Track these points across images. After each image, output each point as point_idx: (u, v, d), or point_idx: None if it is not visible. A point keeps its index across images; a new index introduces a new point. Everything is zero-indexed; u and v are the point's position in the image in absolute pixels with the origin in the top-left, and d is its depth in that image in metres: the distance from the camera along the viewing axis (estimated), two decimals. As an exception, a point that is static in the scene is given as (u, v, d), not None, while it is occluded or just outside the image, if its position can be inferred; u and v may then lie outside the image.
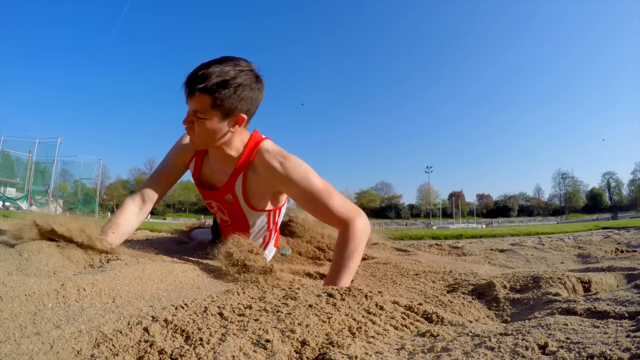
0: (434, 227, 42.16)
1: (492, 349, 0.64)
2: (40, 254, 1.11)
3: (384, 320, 0.87)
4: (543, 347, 0.62)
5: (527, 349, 0.62)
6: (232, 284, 1.21)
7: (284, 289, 1.07)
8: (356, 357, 0.63)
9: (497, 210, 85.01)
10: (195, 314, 0.80)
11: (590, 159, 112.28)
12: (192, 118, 1.36)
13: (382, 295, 1.03)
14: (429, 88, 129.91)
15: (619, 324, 0.76)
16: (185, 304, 0.86)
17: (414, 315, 0.94)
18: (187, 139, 1.62)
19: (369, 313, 0.90)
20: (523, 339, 0.66)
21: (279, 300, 0.93)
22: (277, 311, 0.84)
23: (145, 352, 0.63)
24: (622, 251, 2.59)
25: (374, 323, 0.84)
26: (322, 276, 1.69)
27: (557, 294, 1.12)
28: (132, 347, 0.64)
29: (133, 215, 1.53)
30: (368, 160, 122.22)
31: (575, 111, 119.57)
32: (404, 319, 0.90)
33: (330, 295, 0.98)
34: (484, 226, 46.82)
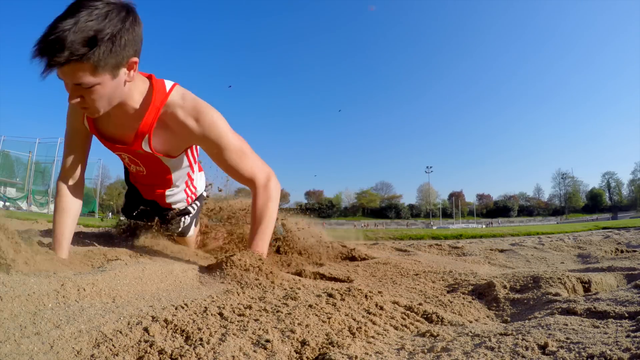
0: (434, 227, 42.18)
1: (492, 349, 0.64)
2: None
3: (384, 320, 0.87)
4: (543, 347, 0.62)
5: (527, 349, 0.62)
6: (231, 284, 1.21)
7: (284, 289, 1.07)
8: (356, 357, 0.63)
9: (497, 210, 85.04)
10: (195, 314, 0.80)
11: (590, 159, 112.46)
12: (79, 92, 1.14)
13: (382, 295, 1.03)
14: (429, 88, 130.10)
15: (619, 324, 0.76)
16: (185, 304, 0.86)
17: (414, 315, 0.94)
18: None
19: (369, 313, 0.90)
20: (523, 339, 0.66)
21: (279, 300, 0.94)
22: (277, 311, 0.84)
23: (145, 352, 0.63)
24: (622, 251, 2.59)
25: (374, 323, 0.84)
26: (322, 276, 1.69)
27: (557, 294, 1.12)
28: (132, 347, 0.64)
29: (73, 203, 1.49)
30: (368, 160, 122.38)
31: (575, 111, 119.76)
32: (404, 319, 0.90)
33: (330, 295, 0.98)
34: (484, 226, 46.84)
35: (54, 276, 0.95)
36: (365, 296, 0.98)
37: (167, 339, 0.68)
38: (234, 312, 0.83)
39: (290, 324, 0.77)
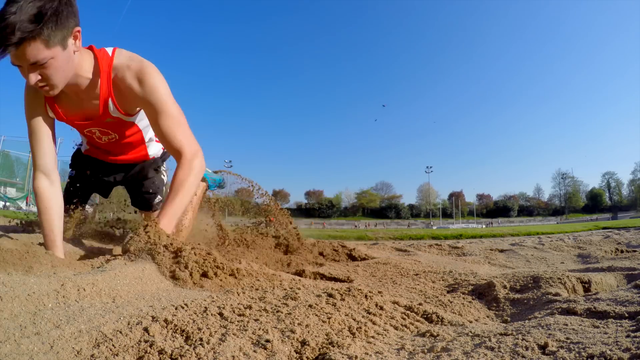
0: (434, 227, 42.18)
1: (492, 349, 0.64)
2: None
3: (384, 320, 0.87)
4: (543, 347, 0.62)
5: (527, 349, 0.62)
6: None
7: (284, 289, 1.07)
8: (356, 357, 0.63)
9: (497, 210, 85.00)
10: (195, 314, 0.80)
11: (590, 159, 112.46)
12: (36, 70, 1.21)
13: (382, 295, 1.03)
14: (429, 88, 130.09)
15: (619, 324, 0.76)
16: (185, 304, 0.86)
17: (414, 315, 0.94)
18: (32, 91, 1.49)
19: (369, 313, 0.90)
20: (523, 339, 0.66)
21: (279, 300, 0.94)
22: (277, 311, 0.84)
23: (145, 352, 0.63)
24: (622, 251, 2.59)
25: (374, 323, 0.84)
26: (322, 276, 1.69)
27: (557, 294, 1.12)
28: (132, 347, 0.64)
29: (55, 200, 1.51)
30: (368, 160, 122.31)
31: (575, 111, 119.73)
32: (404, 319, 0.90)
33: (330, 295, 0.98)
34: (484, 226, 46.84)
35: (54, 276, 0.95)
36: (365, 296, 0.98)
37: (167, 339, 0.68)
38: (234, 312, 0.83)
39: (290, 324, 0.77)
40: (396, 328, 0.85)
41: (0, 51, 1.12)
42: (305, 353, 0.66)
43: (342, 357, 0.63)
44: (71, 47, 1.27)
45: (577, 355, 0.58)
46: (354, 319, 0.84)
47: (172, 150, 1.49)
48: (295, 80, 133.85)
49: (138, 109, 1.60)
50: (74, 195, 2.04)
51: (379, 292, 1.05)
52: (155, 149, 2.00)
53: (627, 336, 0.65)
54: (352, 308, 0.91)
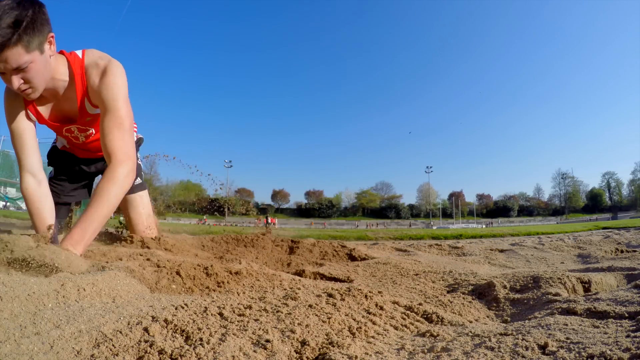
0: (434, 227, 42.18)
1: (492, 349, 0.64)
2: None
3: (384, 320, 0.87)
4: (543, 347, 0.62)
5: (527, 349, 0.62)
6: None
7: (284, 289, 1.07)
8: (356, 357, 0.63)
9: (497, 210, 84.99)
10: (195, 314, 0.80)
11: (590, 159, 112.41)
12: (18, 75, 1.29)
13: (382, 295, 1.03)
14: (430, 88, 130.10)
15: (619, 324, 0.76)
16: (185, 304, 0.86)
17: (414, 315, 0.94)
18: (12, 97, 1.53)
19: (369, 313, 0.90)
20: (523, 339, 0.66)
21: (279, 300, 0.94)
22: (277, 311, 0.84)
23: (145, 352, 0.63)
24: (622, 251, 2.59)
25: (374, 323, 0.84)
26: (322, 276, 1.69)
27: (557, 294, 1.12)
28: (132, 347, 0.64)
29: (45, 201, 1.52)
30: (368, 160, 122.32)
31: (575, 111, 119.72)
32: (404, 319, 0.90)
33: (330, 295, 0.98)
34: (484, 226, 46.83)
35: (54, 276, 0.95)
36: (365, 296, 0.98)
37: (167, 339, 0.68)
38: (234, 312, 0.83)
39: (290, 324, 0.77)
40: (396, 328, 0.85)
41: None
42: (305, 353, 0.66)
43: (342, 357, 0.63)
44: (47, 51, 1.35)
45: (577, 355, 0.58)
46: (354, 319, 0.84)
47: (105, 152, 1.46)
48: (295, 80, 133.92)
49: None
50: (59, 196, 2.01)
51: (379, 292, 1.05)
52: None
53: (627, 336, 0.65)
54: (352, 308, 0.91)
